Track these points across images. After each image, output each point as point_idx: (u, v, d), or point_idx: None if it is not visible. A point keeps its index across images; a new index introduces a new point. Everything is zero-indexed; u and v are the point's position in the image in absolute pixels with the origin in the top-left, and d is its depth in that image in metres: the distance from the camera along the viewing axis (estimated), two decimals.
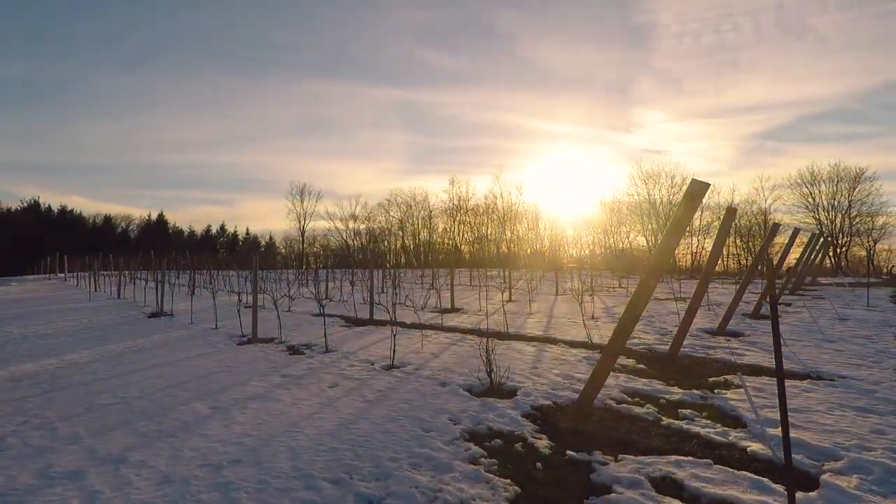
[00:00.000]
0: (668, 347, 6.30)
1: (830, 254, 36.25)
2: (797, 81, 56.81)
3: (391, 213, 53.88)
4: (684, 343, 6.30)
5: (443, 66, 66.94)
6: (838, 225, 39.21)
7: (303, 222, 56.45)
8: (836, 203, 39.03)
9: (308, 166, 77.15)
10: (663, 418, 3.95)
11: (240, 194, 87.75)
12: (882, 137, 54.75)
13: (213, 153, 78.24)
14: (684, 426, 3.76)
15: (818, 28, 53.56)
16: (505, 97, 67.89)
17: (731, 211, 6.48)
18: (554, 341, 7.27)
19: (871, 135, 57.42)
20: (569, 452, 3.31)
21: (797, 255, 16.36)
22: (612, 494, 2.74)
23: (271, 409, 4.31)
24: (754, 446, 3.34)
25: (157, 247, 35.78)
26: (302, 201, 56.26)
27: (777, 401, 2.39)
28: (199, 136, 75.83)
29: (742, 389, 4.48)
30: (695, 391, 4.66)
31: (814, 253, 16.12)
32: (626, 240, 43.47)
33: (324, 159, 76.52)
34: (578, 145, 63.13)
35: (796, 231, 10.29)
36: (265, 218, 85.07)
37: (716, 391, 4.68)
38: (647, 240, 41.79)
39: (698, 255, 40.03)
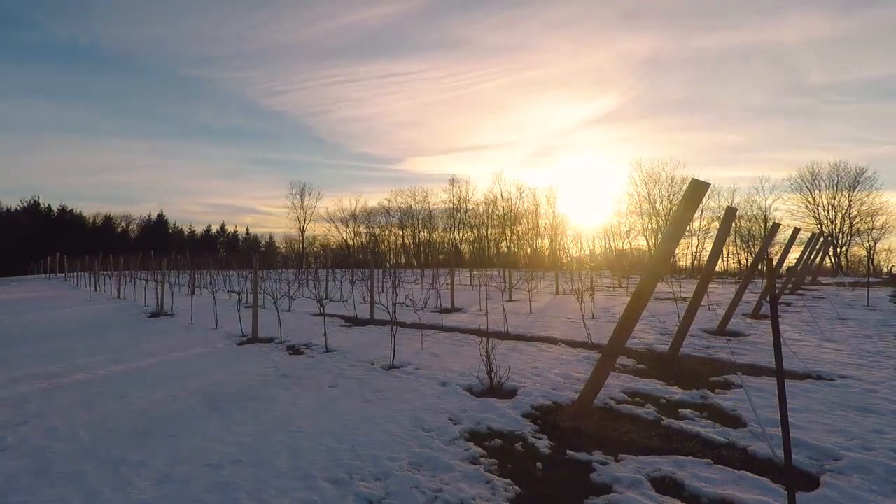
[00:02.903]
0: (668, 347, 6.30)
1: (830, 254, 36.22)
2: None
3: (391, 214, 54.05)
4: (684, 343, 6.30)
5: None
6: (838, 225, 39.25)
7: (303, 222, 56.54)
8: (836, 203, 39.09)
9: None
10: (663, 418, 3.95)
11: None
12: None
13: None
14: (684, 426, 3.76)
15: None
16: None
17: (730, 211, 6.47)
18: (554, 341, 7.27)
19: None
20: (569, 452, 3.31)
21: (797, 255, 16.38)
22: (613, 494, 2.74)
23: (271, 408, 4.31)
24: (754, 446, 3.34)
25: (157, 247, 35.77)
26: (302, 200, 56.36)
27: (777, 401, 2.38)
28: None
29: (742, 389, 4.48)
30: (695, 391, 4.66)
31: (814, 253, 16.12)
32: (627, 240, 43.52)
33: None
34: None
35: (796, 231, 10.29)
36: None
37: (716, 391, 4.68)
38: (647, 240, 41.81)
39: (698, 255, 40.05)
